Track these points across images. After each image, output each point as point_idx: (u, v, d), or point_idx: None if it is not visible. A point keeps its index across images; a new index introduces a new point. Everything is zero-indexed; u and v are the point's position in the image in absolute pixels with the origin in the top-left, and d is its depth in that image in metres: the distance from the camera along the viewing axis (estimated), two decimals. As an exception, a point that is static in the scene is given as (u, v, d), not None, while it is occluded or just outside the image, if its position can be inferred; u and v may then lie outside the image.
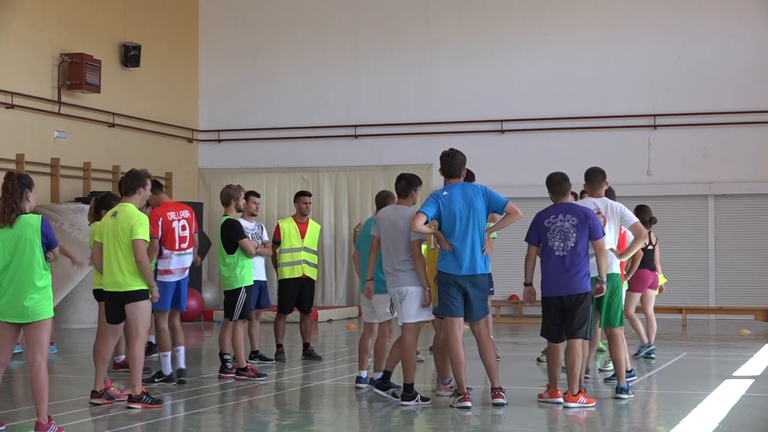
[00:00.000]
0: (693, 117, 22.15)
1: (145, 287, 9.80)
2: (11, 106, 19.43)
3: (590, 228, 9.73)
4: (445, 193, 9.79)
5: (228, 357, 12.22)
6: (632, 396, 10.34)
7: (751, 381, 11.58)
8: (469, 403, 9.62)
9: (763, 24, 21.94)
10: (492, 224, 10.25)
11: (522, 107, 23.00)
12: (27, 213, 8.34)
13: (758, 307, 20.42)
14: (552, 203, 10.01)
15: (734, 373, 10.95)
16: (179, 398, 10.42)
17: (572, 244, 9.69)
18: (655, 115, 22.34)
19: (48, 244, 8.34)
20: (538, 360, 13.65)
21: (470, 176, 10.64)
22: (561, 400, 9.88)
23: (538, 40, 23.00)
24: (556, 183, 9.97)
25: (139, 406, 9.67)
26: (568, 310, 9.76)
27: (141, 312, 9.80)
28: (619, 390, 10.33)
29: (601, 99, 22.60)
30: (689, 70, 22.17)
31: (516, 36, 23.17)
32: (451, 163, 9.89)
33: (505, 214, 9.77)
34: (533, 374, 12.70)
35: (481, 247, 9.70)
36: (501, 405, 9.68)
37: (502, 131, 23.17)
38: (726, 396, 10.40)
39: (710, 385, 10.55)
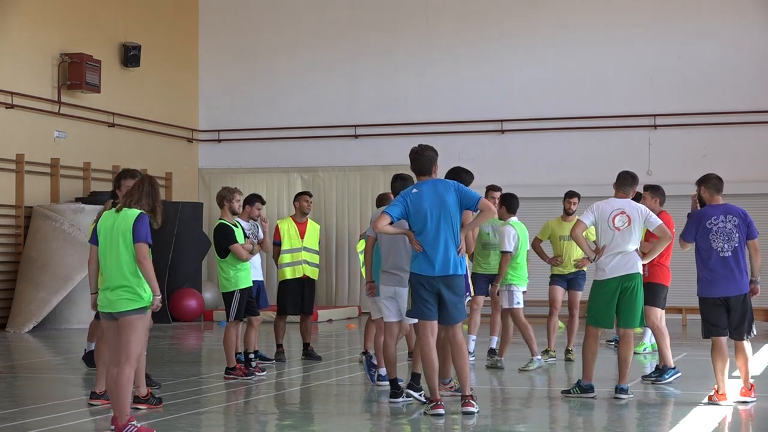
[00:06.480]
0: (693, 117, 22.16)
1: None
2: (11, 106, 19.43)
3: (749, 226, 10.01)
4: (414, 190, 9.44)
5: (251, 356, 12.53)
6: (631, 396, 10.36)
7: (751, 381, 11.56)
8: (441, 411, 9.34)
9: (763, 24, 21.95)
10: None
11: (522, 107, 23.01)
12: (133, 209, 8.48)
13: (758, 307, 20.40)
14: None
15: (734, 373, 10.95)
16: (179, 398, 10.42)
17: (736, 244, 9.96)
18: (655, 115, 22.35)
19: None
20: (539, 360, 13.67)
21: (469, 176, 10.61)
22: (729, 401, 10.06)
23: (538, 40, 23.01)
24: (713, 180, 10.20)
25: (145, 407, 9.65)
26: (732, 310, 10.00)
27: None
28: (619, 390, 10.35)
29: (601, 99, 22.60)
30: (689, 70, 22.18)
31: (516, 36, 23.18)
32: (420, 160, 9.50)
33: (479, 211, 9.46)
34: (533, 374, 12.70)
35: (455, 246, 9.36)
36: (471, 413, 9.34)
37: (502, 131, 23.17)
38: (726, 396, 10.39)
39: (710, 385, 10.54)
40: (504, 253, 12.86)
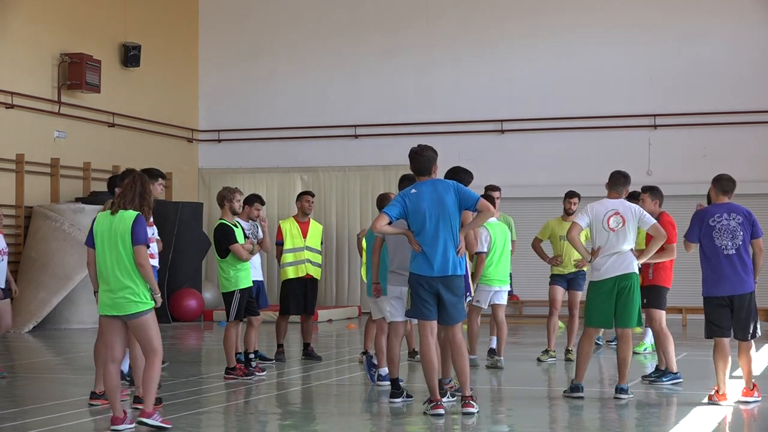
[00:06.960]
0: (693, 117, 22.15)
1: None
2: (11, 106, 19.44)
3: (753, 225, 9.97)
4: (413, 191, 9.43)
5: (251, 356, 12.57)
6: (631, 396, 10.36)
7: (754, 381, 11.56)
8: (441, 411, 9.36)
9: (763, 24, 21.95)
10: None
11: (522, 107, 23.00)
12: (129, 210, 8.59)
13: (759, 307, 20.39)
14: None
15: (734, 373, 10.95)
16: (179, 398, 10.43)
17: (740, 242, 9.91)
18: (655, 115, 22.34)
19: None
20: (539, 360, 13.66)
21: (469, 176, 10.60)
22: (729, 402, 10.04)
23: (538, 40, 23.01)
24: (723, 181, 10.24)
25: None
26: (737, 310, 9.96)
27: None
28: (619, 390, 10.35)
29: (601, 99, 22.60)
30: (689, 70, 22.17)
31: (516, 36, 23.18)
32: (419, 160, 9.48)
33: (477, 211, 9.46)
34: (534, 374, 12.71)
35: (454, 247, 9.36)
36: (471, 414, 9.36)
37: (502, 131, 23.17)
38: (726, 396, 10.39)
39: (710, 385, 10.54)
40: (477, 254, 12.79)
